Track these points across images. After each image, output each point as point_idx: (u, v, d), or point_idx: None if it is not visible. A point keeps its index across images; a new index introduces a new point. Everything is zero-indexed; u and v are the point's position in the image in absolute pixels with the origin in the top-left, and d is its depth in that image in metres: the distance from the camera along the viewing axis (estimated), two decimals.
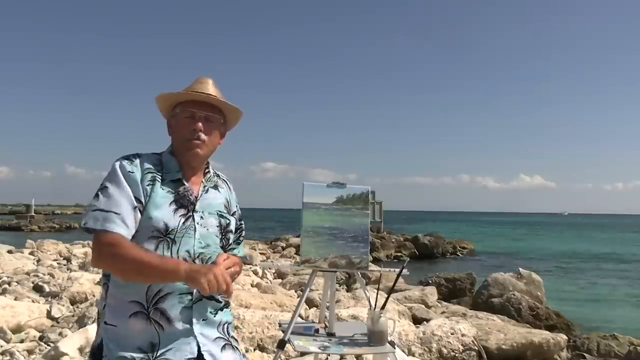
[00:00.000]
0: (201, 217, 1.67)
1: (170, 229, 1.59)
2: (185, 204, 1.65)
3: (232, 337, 1.75)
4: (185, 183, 1.68)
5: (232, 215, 1.81)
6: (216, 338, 1.66)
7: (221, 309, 1.71)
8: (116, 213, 1.55)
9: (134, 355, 1.54)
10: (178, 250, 1.60)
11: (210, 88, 1.72)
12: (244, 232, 1.91)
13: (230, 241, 1.77)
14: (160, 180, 1.65)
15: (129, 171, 1.61)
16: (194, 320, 1.61)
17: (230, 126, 1.84)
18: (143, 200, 1.60)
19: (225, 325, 1.73)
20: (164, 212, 1.60)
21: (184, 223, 1.62)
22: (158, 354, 1.55)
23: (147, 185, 1.62)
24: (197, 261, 1.62)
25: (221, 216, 1.73)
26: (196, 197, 1.69)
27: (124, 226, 1.55)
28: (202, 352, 1.60)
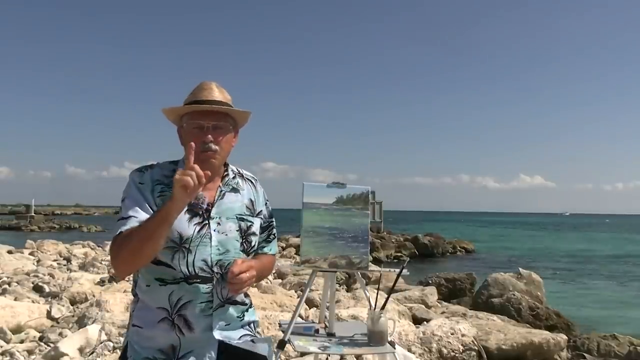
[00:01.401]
0: (218, 223, 1.66)
1: (184, 239, 1.60)
2: (199, 211, 1.64)
3: (258, 332, 1.79)
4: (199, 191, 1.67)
5: (258, 215, 1.78)
6: (241, 336, 1.70)
7: (246, 310, 1.74)
8: (134, 216, 1.56)
9: (156, 356, 1.60)
10: (194, 259, 1.60)
11: (215, 94, 1.69)
12: (274, 230, 1.88)
13: (253, 243, 1.74)
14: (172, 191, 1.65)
15: (140, 182, 1.64)
16: (215, 327, 1.63)
17: (241, 125, 1.80)
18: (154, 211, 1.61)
19: (252, 324, 1.76)
20: (178, 221, 1.57)
21: (199, 232, 1.62)
22: (178, 357, 1.60)
23: (157, 197, 1.62)
24: (215, 268, 1.63)
25: (241, 220, 1.71)
26: (211, 204, 1.67)
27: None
28: (235, 345, 1.65)
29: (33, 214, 51.28)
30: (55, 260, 12.76)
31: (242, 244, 1.70)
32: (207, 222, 1.64)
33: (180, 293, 1.59)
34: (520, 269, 10.45)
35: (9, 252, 13.36)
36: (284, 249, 21.35)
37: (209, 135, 1.64)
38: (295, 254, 18.02)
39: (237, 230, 1.69)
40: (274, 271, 11.17)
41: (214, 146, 1.65)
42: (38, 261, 12.23)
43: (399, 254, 23.79)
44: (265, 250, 1.84)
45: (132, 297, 1.77)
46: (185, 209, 1.61)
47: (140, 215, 1.56)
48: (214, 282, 1.62)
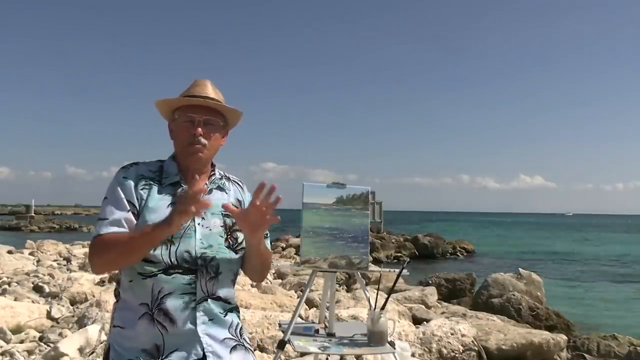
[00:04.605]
0: (202, 218, 1.64)
1: None
2: None
3: (245, 339, 1.73)
4: (183, 185, 1.66)
5: None
6: (225, 339, 1.64)
7: (230, 310, 1.69)
8: (108, 219, 1.58)
9: (140, 357, 1.55)
10: (177, 250, 1.58)
11: (208, 90, 1.71)
12: (266, 230, 1.81)
13: (240, 239, 1.71)
14: (157, 185, 1.65)
15: (123, 177, 1.64)
16: (198, 321, 1.58)
17: (231, 126, 1.82)
18: (137, 204, 1.60)
19: (237, 326, 1.71)
20: (160, 214, 1.57)
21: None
22: (163, 357, 1.55)
23: (142, 190, 1.62)
24: (199, 261, 1.60)
25: (226, 216, 1.69)
26: None
27: (115, 227, 1.56)
28: (206, 353, 1.58)
29: (33, 214, 51.26)
30: (55, 261, 12.75)
31: (226, 239, 1.67)
32: None
33: (160, 285, 1.55)
34: (520, 269, 10.45)
35: (9, 252, 13.36)
36: (284, 249, 21.35)
37: (199, 129, 1.66)
38: (295, 254, 18.02)
39: (221, 226, 1.67)
40: (273, 271, 11.18)
41: (203, 140, 1.66)
42: (38, 261, 12.23)
43: (399, 254, 23.81)
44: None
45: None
46: (170, 202, 1.62)
47: (115, 216, 1.57)
48: (197, 275, 1.59)
